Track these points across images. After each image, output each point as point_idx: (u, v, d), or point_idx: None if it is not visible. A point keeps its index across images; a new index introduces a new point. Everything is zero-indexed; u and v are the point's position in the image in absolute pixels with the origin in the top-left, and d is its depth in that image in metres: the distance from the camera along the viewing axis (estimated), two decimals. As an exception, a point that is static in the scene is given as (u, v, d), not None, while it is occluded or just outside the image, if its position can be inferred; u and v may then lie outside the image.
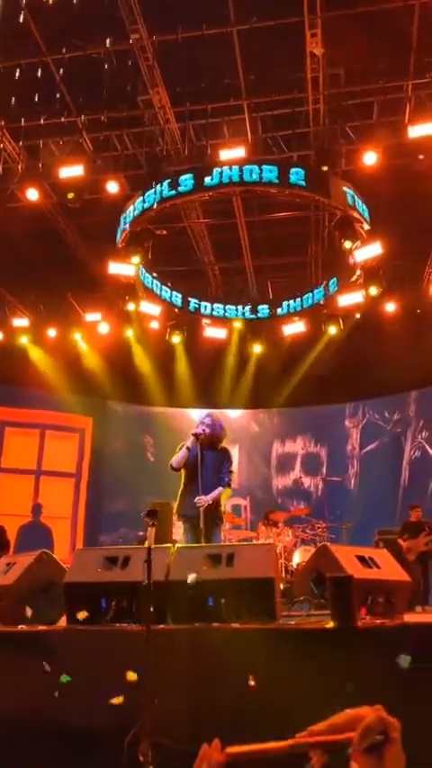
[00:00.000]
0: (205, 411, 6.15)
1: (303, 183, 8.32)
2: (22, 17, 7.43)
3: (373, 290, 10.18)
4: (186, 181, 8.42)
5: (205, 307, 11.51)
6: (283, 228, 11.06)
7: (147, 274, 10.71)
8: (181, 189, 8.45)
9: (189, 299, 11.42)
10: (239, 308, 11.49)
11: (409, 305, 11.33)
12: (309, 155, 9.08)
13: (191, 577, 4.12)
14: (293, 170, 8.36)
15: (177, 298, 11.36)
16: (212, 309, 11.50)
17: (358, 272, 10.09)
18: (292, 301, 11.38)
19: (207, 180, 8.45)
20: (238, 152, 8.72)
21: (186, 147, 9.15)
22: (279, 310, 11.37)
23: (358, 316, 11.44)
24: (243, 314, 11.49)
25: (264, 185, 8.45)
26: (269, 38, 8.15)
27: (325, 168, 8.66)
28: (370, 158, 8.64)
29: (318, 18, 7.66)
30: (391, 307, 11.23)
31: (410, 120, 8.50)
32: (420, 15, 7.83)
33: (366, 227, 9.04)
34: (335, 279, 11.11)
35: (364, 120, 8.84)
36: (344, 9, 7.87)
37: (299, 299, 11.34)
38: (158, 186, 8.58)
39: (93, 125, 9.15)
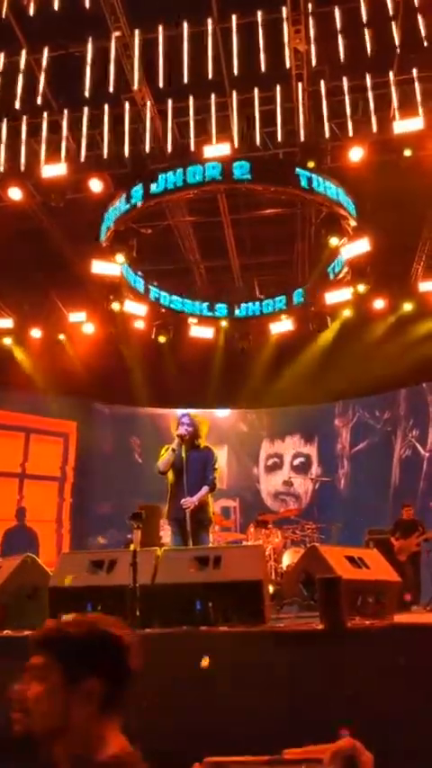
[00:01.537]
0: (180, 411, 6.07)
1: (249, 176, 8.32)
2: (3, 15, 7.30)
3: (361, 288, 10.14)
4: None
5: (164, 297, 11.48)
6: (269, 226, 10.99)
7: (131, 273, 10.61)
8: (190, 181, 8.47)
9: (153, 289, 11.35)
10: (197, 303, 11.47)
11: (398, 302, 11.30)
12: (294, 151, 9.01)
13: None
14: (237, 164, 8.34)
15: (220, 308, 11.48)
16: (170, 301, 11.46)
17: (345, 269, 10.04)
18: (251, 304, 11.49)
19: (152, 187, 8.54)
20: (223, 149, 8.65)
21: (170, 144, 9.06)
22: (238, 311, 11.44)
23: (347, 313, 11.39)
24: (201, 310, 11.51)
25: (208, 184, 8.51)
26: (253, 34, 8.08)
27: (311, 164, 8.61)
28: (356, 154, 8.59)
29: (301, 14, 7.60)
30: (379, 304, 11.19)
31: (395, 115, 8.46)
32: (404, 10, 7.79)
33: (353, 223, 8.99)
34: (300, 290, 11.22)
35: (349, 115, 8.78)
36: (327, 5, 7.82)
37: (258, 303, 11.51)
38: (141, 184, 8.52)
39: (75, 123, 9.03)
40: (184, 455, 5.64)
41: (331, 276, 10.47)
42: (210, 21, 7.94)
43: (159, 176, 8.52)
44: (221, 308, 11.49)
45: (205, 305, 11.67)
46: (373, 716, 3.37)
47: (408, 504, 9.26)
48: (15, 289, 11.78)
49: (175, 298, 11.56)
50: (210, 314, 11.53)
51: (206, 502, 5.72)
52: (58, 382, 12.29)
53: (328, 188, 8.56)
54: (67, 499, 12.91)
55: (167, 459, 5.71)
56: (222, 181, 8.45)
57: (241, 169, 8.32)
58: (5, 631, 4.56)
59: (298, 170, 8.47)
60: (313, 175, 8.43)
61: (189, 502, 5.51)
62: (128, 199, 8.69)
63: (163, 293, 11.33)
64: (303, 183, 8.43)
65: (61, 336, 12.13)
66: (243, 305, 11.53)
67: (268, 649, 3.84)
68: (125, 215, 8.84)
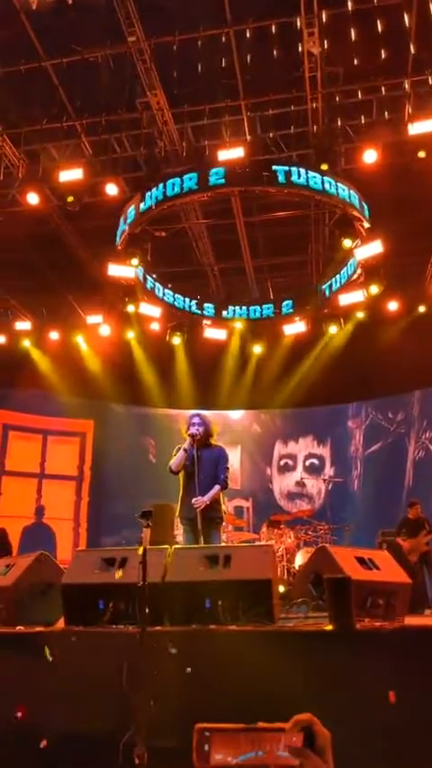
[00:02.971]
0: (190, 411, 6.13)
1: (222, 181, 8.41)
2: (19, 22, 7.42)
3: (374, 289, 10.16)
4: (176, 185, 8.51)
5: (178, 299, 11.54)
6: (282, 228, 11.04)
7: (146, 275, 10.71)
8: (169, 194, 8.59)
9: (167, 291, 11.42)
10: (187, 300, 11.49)
11: (411, 303, 11.28)
12: (308, 154, 9.05)
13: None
14: (212, 171, 8.43)
15: (208, 308, 11.50)
16: (184, 303, 11.52)
17: (359, 270, 10.06)
18: (237, 308, 11.56)
19: (141, 206, 8.66)
20: (237, 152, 8.70)
21: (185, 148, 9.14)
22: (225, 312, 11.54)
23: (360, 315, 11.40)
24: (190, 307, 11.53)
25: (187, 194, 8.63)
26: (266, 37, 8.13)
27: (325, 167, 8.64)
28: (370, 157, 8.59)
29: (315, 17, 7.63)
30: (393, 306, 11.18)
31: (410, 117, 8.46)
32: (418, 11, 7.79)
33: (366, 225, 9.00)
34: (290, 301, 11.33)
35: (363, 118, 8.80)
36: (341, 7, 7.85)
37: (245, 308, 11.58)
38: (157, 188, 8.62)
39: (91, 128, 9.14)
40: (195, 454, 5.69)
41: (344, 278, 10.46)
42: (224, 25, 7.98)
43: (146, 193, 8.78)
44: (209, 308, 11.53)
45: (267, 306, 11.67)
46: (383, 718, 3.40)
47: (414, 503, 9.16)
48: (33, 292, 11.96)
49: (236, 307, 11.63)
50: (197, 312, 11.57)
51: (218, 501, 5.77)
52: (74, 383, 12.44)
53: (312, 180, 8.49)
54: (85, 498, 13.06)
55: (179, 459, 5.77)
56: (198, 190, 8.57)
57: (216, 175, 8.45)
58: (18, 627, 4.65)
59: (275, 167, 8.47)
60: (293, 168, 8.39)
61: (200, 501, 5.57)
62: (204, 177, 8.63)
63: (177, 295, 11.42)
64: (281, 178, 8.40)
65: (78, 338, 12.27)
66: (230, 306, 11.65)
67: (276, 649, 3.89)
68: (138, 219, 8.92)
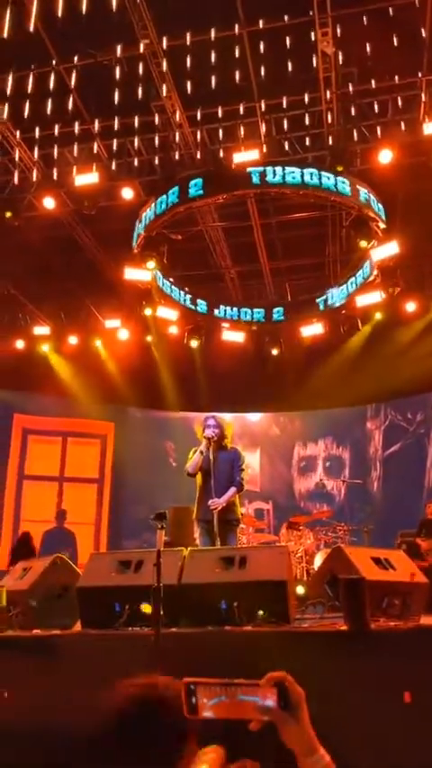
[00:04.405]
0: (204, 414, 6.13)
1: (201, 192, 8.50)
2: (32, 26, 7.48)
3: (391, 290, 10.09)
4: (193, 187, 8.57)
5: (197, 302, 11.55)
6: (299, 230, 11.01)
7: (163, 279, 10.74)
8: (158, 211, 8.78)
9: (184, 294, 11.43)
10: (182, 293, 11.37)
11: (429, 304, 11.18)
12: (324, 155, 9.01)
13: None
14: (192, 182, 8.50)
15: (201, 304, 11.46)
16: (201, 306, 11.49)
17: (375, 272, 10.00)
18: (228, 308, 11.56)
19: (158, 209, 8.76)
20: (252, 155, 8.70)
21: (200, 151, 9.16)
22: (216, 311, 11.50)
23: (378, 316, 11.34)
24: (185, 301, 11.37)
25: (171, 210, 8.75)
26: (280, 38, 8.12)
27: (340, 168, 8.60)
28: (385, 157, 8.54)
29: (328, 16, 7.60)
30: (410, 306, 11.10)
31: (425, 116, 8.39)
32: (432, 9, 7.73)
33: (382, 225, 8.94)
34: (281, 308, 11.47)
35: (378, 118, 8.75)
36: (354, 6, 7.80)
37: (236, 309, 11.59)
38: (172, 191, 8.67)
39: (106, 132, 9.20)
40: (211, 456, 5.69)
41: (361, 279, 10.42)
42: (237, 26, 7.99)
43: (143, 215, 9.04)
44: (202, 305, 11.46)
45: (258, 310, 11.69)
46: (398, 718, 3.37)
47: (431, 503, 9.06)
48: (52, 297, 12.05)
49: (227, 308, 11.65)
50: (192, 307, 11.48)
51: (234, 502, 5.77)
52: (93, 388, 12.50)
53: (290, 175, 8.41)
54: (106, 501, 13.10)
55: (196, 461, 5.78)
56: (179, 203, 8.67)
57: (195, 186, 8.50)
58: (35, 631, 4.67)
59: (249, 169, 8.47)
60: (267, 168, 8.36)
61: (216, 503, 5.56)
62: (184, 190, 8.72)
63: (174, 287, 11.35)
64: (255, 179, 8.40)
65: (97, 342, 12.33)
66: (223, 306, 11.64)
67: (292, 649, 3.87)
68: (153, 222, 8.96)
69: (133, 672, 3.89)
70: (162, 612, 3.72)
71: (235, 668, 3.87)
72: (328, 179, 8.36)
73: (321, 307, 11.23)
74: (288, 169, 8.39)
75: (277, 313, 11.61)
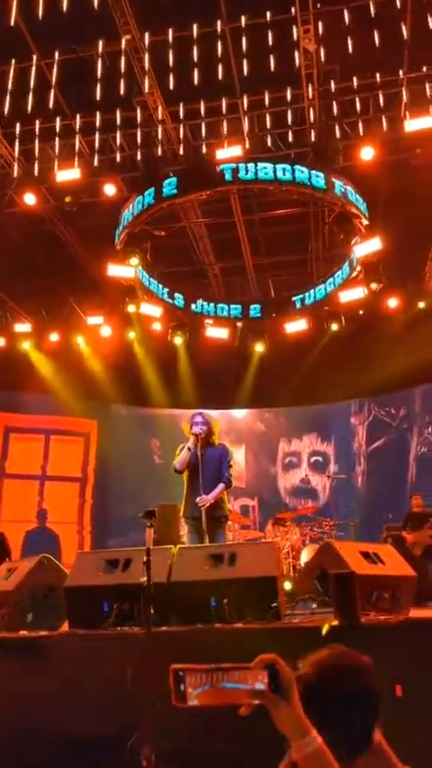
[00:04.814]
0: (192, 411, 6.10)
1: (176, 191, 8.64)
2: (12, 20, 7.39)
3: (374, 286, 10.14)
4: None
5: (179, 299, 11.54)
6: (282, 226, 11.02)
7: (146, 275, 10.68)
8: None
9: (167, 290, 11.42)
10: (161, 286, 11.34)
11: (411, 300, 11.25)
12: (306, 152, 9.02)
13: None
14: (166, 182, 8.65)
15: (178, 298, 11.40)
16: (185, 303, 11.50)
17: (358, 268, 10.04)
18: (205, 303, 11.62)
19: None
20: (235, 151, 8.68)
21: (182, 147, 9.11)
22: (193, 306, 11.56)
23: (361, 312, 11.38)
24: (162, 294, 11.38)
25: (148, 210, 8.84)
26: (262, 34, 8.10)
27: (323, 165, 8.62)
28: (367, 154, 8.56)
29: (310, 13, 7.60)
30: (393, 302, 11.16)
31: (406, 114, 8.43)
32: (413, 7, 7.76)
33: (365, 222, 8.97)
34: (258, 306, 11.60)
35: (360, 115, 8.77)
36: (336, 4, 7.81)
37: (212, 304, 11.65)
38: (148, 192, 8.72)
39: (88, 128, 9.12)
40: (199, 453, 5.68)
41: (346, 274, 10.48)
42: (219, 22, 7.96)
43: (123, 214, 9.11)
44: (179, 299, 11.45)
45: (235, 306, 11.73)
46: (389, 712, 3.37)
47: (416, 495, 9.11)
48: (33, 293, 11.93)
49: (204, 303, 11.65)
50: (169, 300, 11.49)
51: (222, 499, 5.75)
52: (76, 385, 12.40)
53: (262, 171, 8.46)
54: (89, 500, 13.01)
55: (183, 458, 5.76)
56: (155, 204, 8.75)
57: (169, 186, 8.59)
58: (22, 632, 4.62)
59: (222, 167, 8.52)
60: (240, 165, 8.42)
61: (204, 500, 5.55)
62: (159, 190, 8.78)
63: (152, 280, 11.34)
64: (228, 176, 8.45)
65: (79, 339, 12.23)
66: (199, 301, 11.67)
67: (283, 646, 3.86)
68: (136, 219, 8.92)
69: (123, 671, 3.86)
70: (152, 611, 3.70)
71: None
72: (301, 173, 8.38)
73: (298, 305, 11.37)
74: (261, 165, 8.43)
75: (254, 310, 11.68)
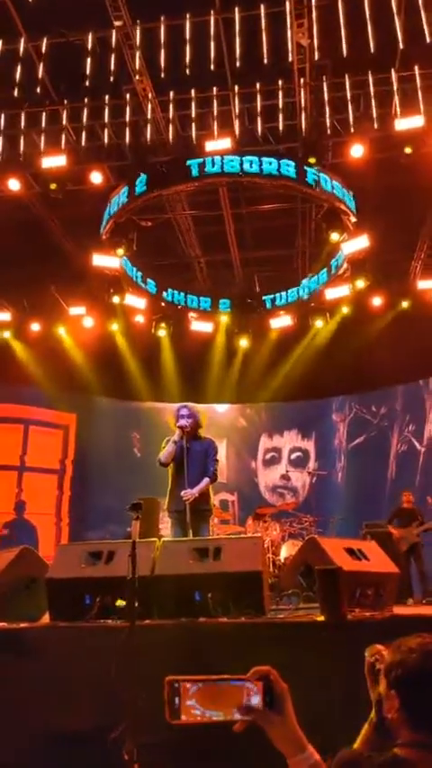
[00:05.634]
0: (177, 404, 6.03)
1: (144, 188, 8.57)
2: (0, 2, 7.24)
3: (360, 284, 10.16)
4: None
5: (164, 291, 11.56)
6: (270, 221, 10.97)
7: (131, 266, 10.58)
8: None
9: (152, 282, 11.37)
10: (134, 269, 11.18)
11: (395, 299, 11.30)
12: (296, 147, 8.98)
13: None
14: (138, 180, 8.58)
15: (150, 284, 11.38)
16: (170, 295, 11.51)
17: (345, 265, 10.04)
18: (176, 292, 11.63)
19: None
20: (225, 143, 8.62)
21: (171, 136, 9.03)
22: (164, 294, 11.55)
23: (345, 310, 11.40)
24: (137, 278, 11.24)
25: (125, 208, 8.82)
26: (255, 25, 8.05)
27: (312, 160, 8.59)
28: (357, 151, 8.55)
29: (304, 7, 7.55)
30: (377, 301, 11.19)
31: (397, 112, 8.43)
32: (407, 5, 7.76)
33: (353, 219, 8.96)
34: (227, 301, 11.69)
35: (351, 112, 8.75)
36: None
37: (182, 294, 11.66)
38: (123, 191, 8.68)
39: (76, 114, 8.99)
40: (185, 446, 5.62)
41: (332, 272, 10.50)
42: (212, 11, 7.88)
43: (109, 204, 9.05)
44: (151, 284, 11.38)
45: (204, 299, 11.71)
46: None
47: (408, 492, 9.15)
48: (14, 282, 11.72)
49: (175, 291, 11.59)
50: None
51: (207, 493, 5.71)
52: (57, 376, 12.24)
53: (228, 164, 8.43)
54: (67, 492, 12.88)
55: (169, 451, 5.70)
56: (128, 203, 8.74)
57: (140, 184, 8.58)
58: (1, 624, 4.54)
59: (189, 161, 8.50)
60: (206, 159, 8.40)
61: (189, 493, 5.50)
62: (129, 192, 8.71)
63: (167, 288, 11.35)
64: (194, 172, 8.43)
65: (61, 330, 12.08)
66: (170, 289, 11.66)
67: (268, 641, 3.84)
68: (127, 205, 8.82)
69: (106, 664, 3.80)
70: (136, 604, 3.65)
71: (209, 660, 3.83)
72: (269, 164, 8.35)
73: (268, 305, 11.46)
74: (227, 158, 8.40)
75: (223, 304, 11.69)
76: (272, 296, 11.48)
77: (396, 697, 1.53)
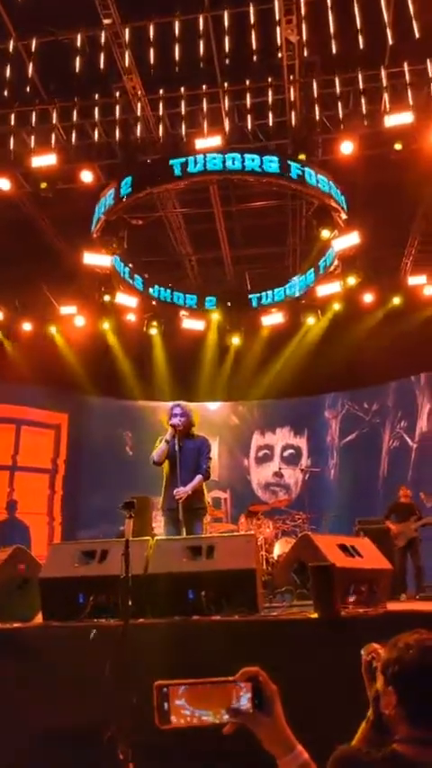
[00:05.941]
0: (170, 403, 6.02)
1: (129, 189, 8.65)
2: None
3: (351, 280, 10.17)
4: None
5: (155, 289, 11.56)
6: (260, 218, 10.98)
7: (122, 265, 10.56)
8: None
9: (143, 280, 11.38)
10: (122, 264, 11.12)
11: (386, 295, 11.33)
12: (286, 143, 8.98)
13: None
14: (122, 183, 8.65)
15: (137, 280, 11.37)
16: (161, 293, 11.53)
17: (336, 262, 10.06)
18: (162, 289, 11.66)
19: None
20: (215, 141, 8.61)
21: (161, 135, 9.01)
22: (151, 290, 11.56)
23: (337, 306, 11.42)
24: (124, 273, 11.22)
25: (114, 208, 8.84)
26: (244, 23, 8.04)
27: (302, 157, 8.60)
28: (347, 147, 8.57)
29: (293, 4, 7.55)
30: (368, 297, 11.21)
31: (386, 108, 8.45)
32: (396, 2, 7.77)
33: (344, 216, 8.98)
34: (213, 298, 11.74)
35: (341, 108, 8.75)
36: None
37: (168, 291, 11.67)
38: (109, 193, 8.69)
39: (66, 113, 8.95)
40: (177, 445, 5.62)
41: (322, 269, 10.53)
42: (201, 9, 7.87)
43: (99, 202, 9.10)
44: (138, 280, 11.38)
45: (191, 296, 11.73)
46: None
47: (405, 487, 9.14)
48: (6, 281, 11.68)
49: (161, 288, 11.58)
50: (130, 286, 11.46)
51: (200, 491, 5.70)
52: (48, 375, 12.21)
53: (211, 162, 8.49)
54: (59, 491, 12.86)
55: (162, 450, 5.69)
56: (114, 205, 8.79)
57: (125, 186, 8.64)
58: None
59: (171, 161, 8.56)
60: (189, 158, 8.47)
61: (182, 492, 5.49)
62: (117, 190, 8.69)
63: (154, 285, 11.32)
64: (177, 171, 8.49)
65: (52, 329, 12.05)
66: (156, 286, 11.66)
67: (262, 638, 3.84)
68: (113, 207, 8.83)
69: (100, 663, 3.80)
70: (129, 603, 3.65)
71: (203, 658, 3.83)
72: (252, 161, 8.39)
73: (254, 303, 11.49)
74: (210, 156, 8.43)
75: (209, 302, 11.73)
76: (258, 294, 11.51)
77: (394, 693, 1.54)
